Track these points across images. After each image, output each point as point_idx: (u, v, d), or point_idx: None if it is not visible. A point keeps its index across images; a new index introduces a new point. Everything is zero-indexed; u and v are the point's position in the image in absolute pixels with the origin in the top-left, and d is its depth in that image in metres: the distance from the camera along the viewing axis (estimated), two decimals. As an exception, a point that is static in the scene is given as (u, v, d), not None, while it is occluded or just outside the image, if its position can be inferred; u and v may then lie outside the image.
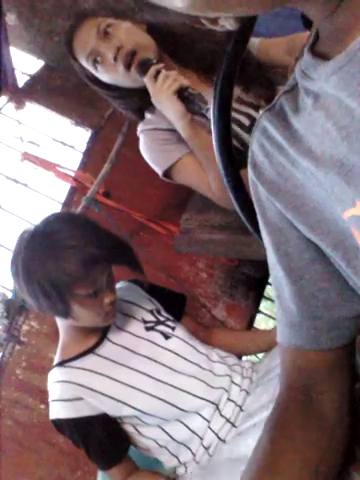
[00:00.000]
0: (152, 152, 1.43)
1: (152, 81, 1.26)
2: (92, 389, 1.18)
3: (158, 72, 1.26)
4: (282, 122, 0.56)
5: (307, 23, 1.73)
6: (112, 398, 1.18)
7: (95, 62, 1.33)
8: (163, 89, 1.24)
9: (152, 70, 1.26)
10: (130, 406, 1.18)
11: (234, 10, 0.42)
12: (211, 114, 0.87)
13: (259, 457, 0.62)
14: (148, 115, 1.45)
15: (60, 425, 1.20)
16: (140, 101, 1.42)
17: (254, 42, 1.40)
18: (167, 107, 1.27)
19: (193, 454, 1.21)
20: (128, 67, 1.30)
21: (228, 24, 0.48)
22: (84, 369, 1.20)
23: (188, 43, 1.37)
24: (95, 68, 1.35)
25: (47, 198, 2.82)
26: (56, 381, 1.20)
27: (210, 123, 0.89)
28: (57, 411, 1.18)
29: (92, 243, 1.11)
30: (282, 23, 1.76)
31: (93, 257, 1.10)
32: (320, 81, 0.49)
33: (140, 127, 1.47)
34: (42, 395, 2.38)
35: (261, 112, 0.61)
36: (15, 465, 2.45)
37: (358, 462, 0.62)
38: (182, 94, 1.24)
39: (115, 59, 1.29)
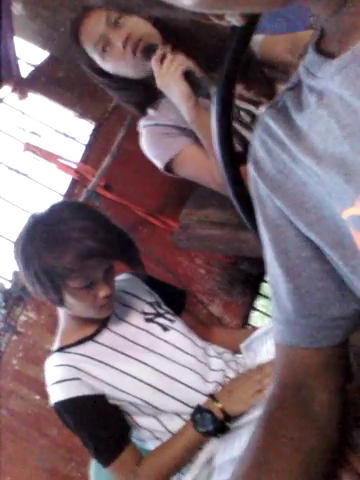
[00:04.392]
0: (153, 146, 1.43)
1: (158, 64, 1.26)
2: (90, 374, 1.18)
3: (164, 56, 1.26)
4: (284, 119, 0.56)
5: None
6: (109, 385, 1.19)
7: (103, 50, 1.33)
8: (169, 71, 1.24)
9: (159, 53, 1.26)
10: (126, 393, 1.19)
11: (241, 7, 0.42)
12: (213, 110, 0.87)
13: (251, 454, 0.62)
14: (150, 111, 1.45)
15: (61, 409, 1.18)
16: (142, 94, 1.42)
17: (256, 39, 1.40)
18: (173, 89, 1.26)
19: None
20: (134, 52, 1.30)
21: (234, 20, 0.48)
22: (83, 355, 1.20)
23: (192, 39, 1.37)
24: (102, 56, 1.34)
25: (48, 189, 2.82)
26: (55, 365, 1.20)
27: (213, 114, 0.89)
28: (57, 394, 1.17)
29: (92, 236, 1.11)
30: (281, 22, 1.77)
31: (90, 251, 1.10)
32: (324, 79, 0.49)
33: (141, 123, 1.46)
34: (38, 386, 2.39)
35: (263, 109, 0.61)
36: (9, 455, 2.46)
37: (347, 464, 0.62)
38: (188, 77, 1.24)
39: (124, 47, 1.29)
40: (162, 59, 1.26)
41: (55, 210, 1.18)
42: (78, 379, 1.17)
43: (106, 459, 1.18)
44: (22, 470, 2.46)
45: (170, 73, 1.24)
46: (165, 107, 1.38)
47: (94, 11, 1.34)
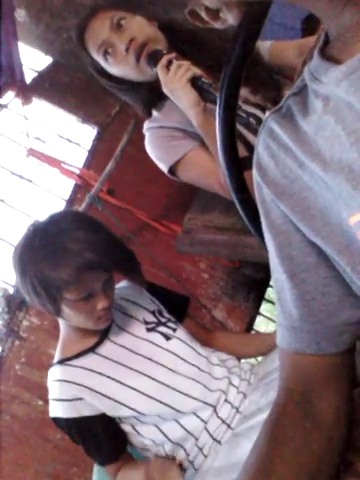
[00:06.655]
0: (158, 149, 1.42)
1: (164, 71, 1.25)
2: (91, 389, 1.17)
3: (170, 62, 1.26)
4: (290, 124, 0.56)
5: (305, 33, 1.74)
6: (111, 399, 1.18)
7: (106, 53, 1.33)
8: (176, 78, 1.23)
9: (164, 59, 1.25)
10: (128, 407, 1.18)
11: None
12: (216, 114, 0.87)
13: (255, 460, 0.62)
14: (155, 113, 1.45)
15: (59, 423, 1.20)
16: (147, 96, 1.42)
17: (265, 44, 1.40)
18: (180, 96, 1.26)
19: (187, 454, 1.21)
20: (138, 58, 1.30)
21: (231, 17, 0.47)
22: (84, 368, 1.19)
23: (198, 41, 1.37)
24: (105, 59, 1.34)
25: (51, 194, 2.83)
26: (56, 380, 1.19)
27: (216, 118, 0.88)
28: (57, 410, 1.18)
29: (91, 248, 1.09)
30: (278, 31, 1.78)
31: (88, 263, 1.08)
32: (330, 85, 0.49)
33: (146, 125, 1.46)
34: (40, 391, 2.39)
35: (268, 113, 0.60)
36: (12, 460, 2.45)
37: (350, 467, 0.62)
38: (196, 83, 1.23)
39: (127, 50, 1.29)
40: (168, 65, 1.25)
41: (55, 220, 1.16)
42: (79, 399, 1.16)
43: (103, 460, 1.22)
44: (24, 475, 2.45)
45: (177, 80, 1.23)
46: (170, 109, 1.38)
47: (100, 13, 1.35)
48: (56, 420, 1.20)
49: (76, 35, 1.38)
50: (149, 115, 1.47)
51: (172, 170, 1.40)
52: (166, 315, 1.35)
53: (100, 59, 1.36)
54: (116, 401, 1.18)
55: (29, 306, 2.54)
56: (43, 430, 2.44)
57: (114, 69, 1.36)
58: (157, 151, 1.42)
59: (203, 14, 0.51)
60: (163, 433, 1.21)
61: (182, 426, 1.20)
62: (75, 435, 1.19)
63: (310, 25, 1.74)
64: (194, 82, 1.23)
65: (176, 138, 1.38)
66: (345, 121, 0.47)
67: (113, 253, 1.15)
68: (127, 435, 1.24)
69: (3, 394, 2.51)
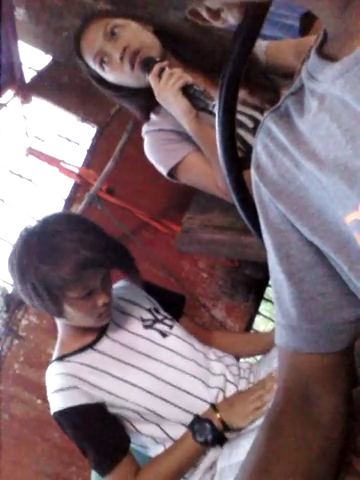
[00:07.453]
0: (157, 152, 1.43)
1: (156, 79, 1.27)
2: (90, 383, 1.18)
3: (162, 70, 1.27)
4: (287, 124, 0.56)
5: (303, 31, 1.74)
6: (109, 393, 1.19)
7: (102, 62, 1.34)
8: (168, 86, 1.25)
9: (156, 68, 1.27)
10: (127, 400, 1.19)
11: None
12: (216, 114, 0.87)
13: (253, 459, 0.62)
14: (153, 116, 1.46)
15: (61, 418, 1.18)
16: (145, 101, 1.43)
17: (261, 45, 1.40)
18: (172, 104, 1.27)
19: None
20: (133, 66, 1.31)
21: (231, 18, 0.48)
22: (83, 364, 1.20)
23: (194, 44, 1.37)
24: (102, 68, 1.36)
25: (51, 193, 2.83)
26: (55, 374, 1.20)
27: (216, 119, 0.89)
28: (57, 403, 1.17)
29: (87, 247, 1.12)
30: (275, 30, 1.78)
31: (87, 261, 1.11)
32: (326, 83, 0.49)
33: (145, 128, 1.47)
34: (39, 390, 2.39)
35: (266, 113, 0.60)
36: (10, 459, 2.46)
37: (351, 468, 0.62)
38: (187, 91, 1.25)
39: (121, 59, 1.30)
40: (160, 73, 1.26)
41: (49, 222, 1.19)
42: (77, 388, 1.16)
43: (104, 469, 1.17)
44: (23, 474, 2.46)
45: (168, 88, 1.25)
46: (167, 112, 1.38)
47: (94, 21, 1.35)
48: (57, 415, 1.17)
49: (73, 43, 1.39)
50: (147, 119, 1.48)
51: (171, 173, 1.41)
52: (162, 312, 1.36)
53: (97, 68, 1.37)
54: (114, 395, 1.18)
55: (28, 305, 2.54)
56: (42, 429, 2.45)
57: (111, 77, 1.37)
58: (156, 154, 1.43)
59: (204, 13, 0.51)
60: (164, 432, 1.21)
61: (183, 424, 1.20)
62: (77, 427, 1.17)
63: (306, 22, 1.74)
64: (185, 90, 1.25)
65: (175, 141, 1.39)
66: (340, 119, 0.47)
67: (109, 250, 1.18)
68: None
69: (2, 393, 2.52)
